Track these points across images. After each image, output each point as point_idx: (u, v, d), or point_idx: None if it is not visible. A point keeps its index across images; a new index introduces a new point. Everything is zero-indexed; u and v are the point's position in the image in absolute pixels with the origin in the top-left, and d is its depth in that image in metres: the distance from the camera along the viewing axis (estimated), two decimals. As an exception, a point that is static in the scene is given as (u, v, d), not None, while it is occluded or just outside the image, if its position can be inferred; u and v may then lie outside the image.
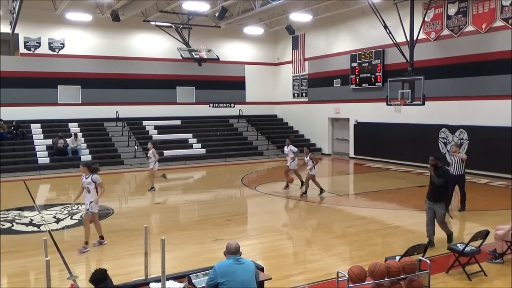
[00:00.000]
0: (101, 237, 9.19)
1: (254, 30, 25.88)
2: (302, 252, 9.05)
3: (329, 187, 15.84)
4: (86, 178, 9.03)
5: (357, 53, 22.82)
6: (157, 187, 15.40)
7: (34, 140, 21.50)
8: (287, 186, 15.12)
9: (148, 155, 15.82)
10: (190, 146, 23.74)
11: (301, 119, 27.39)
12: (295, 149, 15.01)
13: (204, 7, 20.24)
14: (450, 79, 18.30)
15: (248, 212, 13.25)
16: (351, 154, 23.94)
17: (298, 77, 27.49)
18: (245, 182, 16.36)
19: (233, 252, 4.99)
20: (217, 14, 20.83)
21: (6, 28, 19.83)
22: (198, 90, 26.91)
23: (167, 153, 21.88)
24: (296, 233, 10.38)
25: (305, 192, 14.00)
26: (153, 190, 15.21)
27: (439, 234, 8.73)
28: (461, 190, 11.68)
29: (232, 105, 28.02)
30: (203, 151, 23.57)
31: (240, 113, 27.79)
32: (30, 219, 11.30)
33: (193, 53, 21.46)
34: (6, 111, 21.67)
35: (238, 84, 28.21)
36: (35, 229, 10.40)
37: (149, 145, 15.60)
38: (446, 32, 18.58)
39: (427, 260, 6.28)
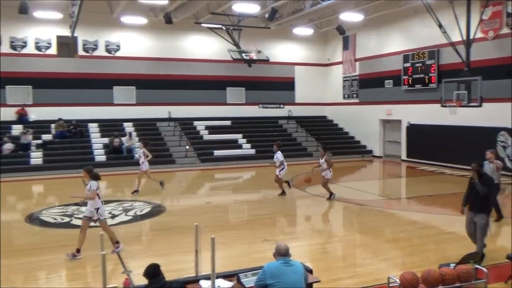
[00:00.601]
0: (117, 242, 8.79)
1: (304, 30, 25.78)
2: (352, 255, 8.93)
3: (380, 190, 15.54)
4: (86, 184, 8.75)
5: (410, 53, 22.23)
6: (208, 186, 15.62)
7: (91, 139, 22.42)
8: (282, 193, 14.32)
9: (139, 154, 15.40)
10: (240, 147, 23.96)
11: (352, 120, 27.00)
12: (280, 157, 14.08)
13: (254, 9, 20.37)
14: (509, 79, 17.47)
15: (297, 213, 13.22)
16: (403, 157, 23.35)
17: (348, 78, 27.13)
18: (294, 183, 16.33)
19: (283, 253, 4.99)
20: (267, 16, 20.92)
21: (66, 32, 20.79)
22: (248, 91, 27.12)
23: (217, 153, 22.20)
24: (346, 236, 10.25)
25: (331, 194, 13.65)
26: (137, 193, 14.51)
27: (495, 243, 8.34)
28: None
29: (282, 106, 28.03)
30: (252, 151, 23.72)
31: (290, 114, 27.76)
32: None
33: (243, 54, 21.68)
34: (66, 111, 22.71)
35: (288, 85, 28.20)
36: (92, 224, 10.82)
37: (140, 144, 15.18)
38: (505, 30, 17.75)
39: (484, 269, 6.02)
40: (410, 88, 22.39)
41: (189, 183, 18.57)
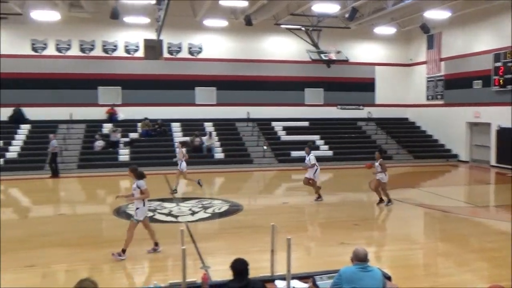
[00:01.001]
0: (155, 244, 8.76)
1: (385, 30, 25.00)
2: (434, 264, 8.53)
3: (465, 196, 14.71)
4: (133, 184, 8.79)
5: (502, 52, 20.79)
6: (284, 187, 15.67)
7: (174, 138, 23.36)
8: (319, 197, 13.74)
9: (176, 154, 15.23)
10: (317, 148, 23.77)
11: (436, 123, 25.78)
12: (312, 160, 13.55)
13: (334, 9, 20.10)
14: None
15: (376, 217, 12.87)
16: (492, 162, 21.90)
17: (433, 79, 25.93)
18: (374, 187, 15.91)
19: (361, 259, 4.86)
20: (347, 15, 20.55)
21: (152, 35, 21.84)
22: (327, 92, 26.83)
23: (294, 154, 22.19)
24: (428, 244, 9.82)
25: (389, 200, 13.05)
26: (175, 192, 14.75)
27: None
28: None
29: (361, 107, 27.42)
30: (330, 153, 23.44)
31: (369, 116, 27.09)
32: (169, 210, 12.32)
33: (322, 55, 21.49)
34: (151, 111, 23.87)
35: (368, 85, 27.53)
36: (173, 219, 11.30)
37: (177, 144, 15.15)
38: None
39: None
40: (501, 89, 20.94)
41: (266, 183, 18.74)
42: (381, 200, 13.18)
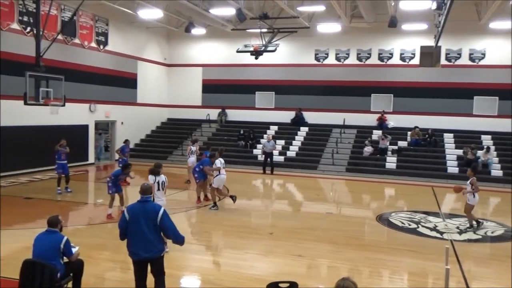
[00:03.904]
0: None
1: None
2: None
3: None
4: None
5: None
6: None
7: (446, 149, 22.07)
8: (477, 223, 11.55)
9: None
10: None
11: None
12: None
13: None
14: None
15: None
16: None
17: None
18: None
19: None
20: None
21: (430, 42, 21.10)
22: None
23: None
24: None
25: (475, 223, 11.40)
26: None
27: None
28: None
29: None
30: None
31: None
32: (435, 224, 11.73)
33: None
34: (422, 119, 23.18)
35: None
36: (438, 235, 10.72)
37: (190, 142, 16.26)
38: None
39: None
40: None
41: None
42: (471, 226, 11.44)
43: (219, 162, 12.78)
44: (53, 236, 5.98)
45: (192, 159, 16.84)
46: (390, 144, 22.47)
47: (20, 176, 17.08)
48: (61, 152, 14.28)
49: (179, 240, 5.94)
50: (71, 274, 6.16)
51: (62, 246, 5.90)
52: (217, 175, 12.75)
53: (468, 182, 11.46)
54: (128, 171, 12.32)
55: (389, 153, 22.18)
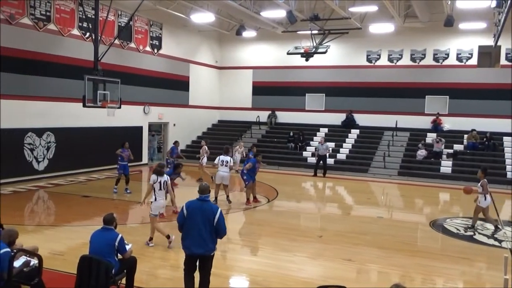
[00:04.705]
0: (150, 239, 9.15)
1: None
2: None
3: None
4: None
5: None
6: None
7: (505, 153, 21.07)
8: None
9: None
10: None
11: None
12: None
13: None
14: None
15: None
16: None
17: None
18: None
19: None
20: None
21: (489, 41, 20.22)
22: None
23: None
24: None
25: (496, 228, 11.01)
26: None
27: None
28: None
29: None
30: None
31: None
32: (492, 232, 11.23)
33: None
34: (480, 122, 22.23)
35: None
36: (496, 243, 10.27)
37: (202, 142, 17.81)
38: None
39: None
40: None
41: None
42: (496, 229, 11.04)
43: (217, 159, 13.59)
44: (108, 233, 6.22)
45: (206, 160, 17.46)
46: (445, 148, 21.73)
47: (78, 175, 17.88)
48: (123, 154, 14.82)
49: (223, 236, 6.27)
50: (125, 271, 6.38)
51: (116, 243, 6.13)
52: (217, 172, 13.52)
53: (479, 184, 11.15)
54: (179, 171, 12.59)
55: (444, 156, 21.45)
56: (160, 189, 9.24)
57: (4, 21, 15.13)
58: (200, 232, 6.00)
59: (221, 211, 6.14)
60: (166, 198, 9.62)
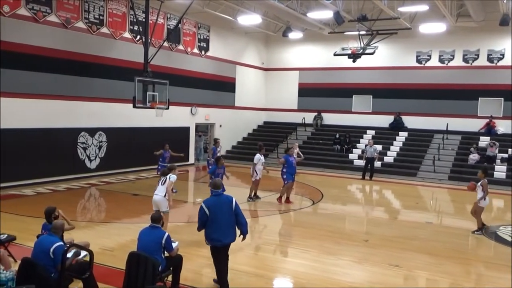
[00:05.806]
0: None
1: None
2: None
3: None
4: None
5: None
6: None
7: None
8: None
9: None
10: None
11: None
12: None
13: None
14: None
15: None
16: None
17: None
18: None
19: None
20: None
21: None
22: None
23: None
24: None
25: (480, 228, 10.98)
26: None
27: None
28: None
29: None
30: None
31: None
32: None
33: None
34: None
35: None
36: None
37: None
38: None
39: None
40: None
41: None
42: (479, 229, 10.99)
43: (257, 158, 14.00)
44: (155, 231, 6.37)
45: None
46: (499, 152, 20.82)
47: (128, 174, 18.41)
48: (165, 156, 15.14)
49: (246, 223, 6.78)
50: (171, 268, 6.51)
51: (163, 241, 6.27)
52: None
53: (479, 184, 10.92)
54: (222, 163, 12.70)
55: (498, 161, 20.56)
56: (162, 185, 9.77)
57: (60, 25, 15.83)
58: (227, 222, 6.56)
59: (235, 199, 6.72)
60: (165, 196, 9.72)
